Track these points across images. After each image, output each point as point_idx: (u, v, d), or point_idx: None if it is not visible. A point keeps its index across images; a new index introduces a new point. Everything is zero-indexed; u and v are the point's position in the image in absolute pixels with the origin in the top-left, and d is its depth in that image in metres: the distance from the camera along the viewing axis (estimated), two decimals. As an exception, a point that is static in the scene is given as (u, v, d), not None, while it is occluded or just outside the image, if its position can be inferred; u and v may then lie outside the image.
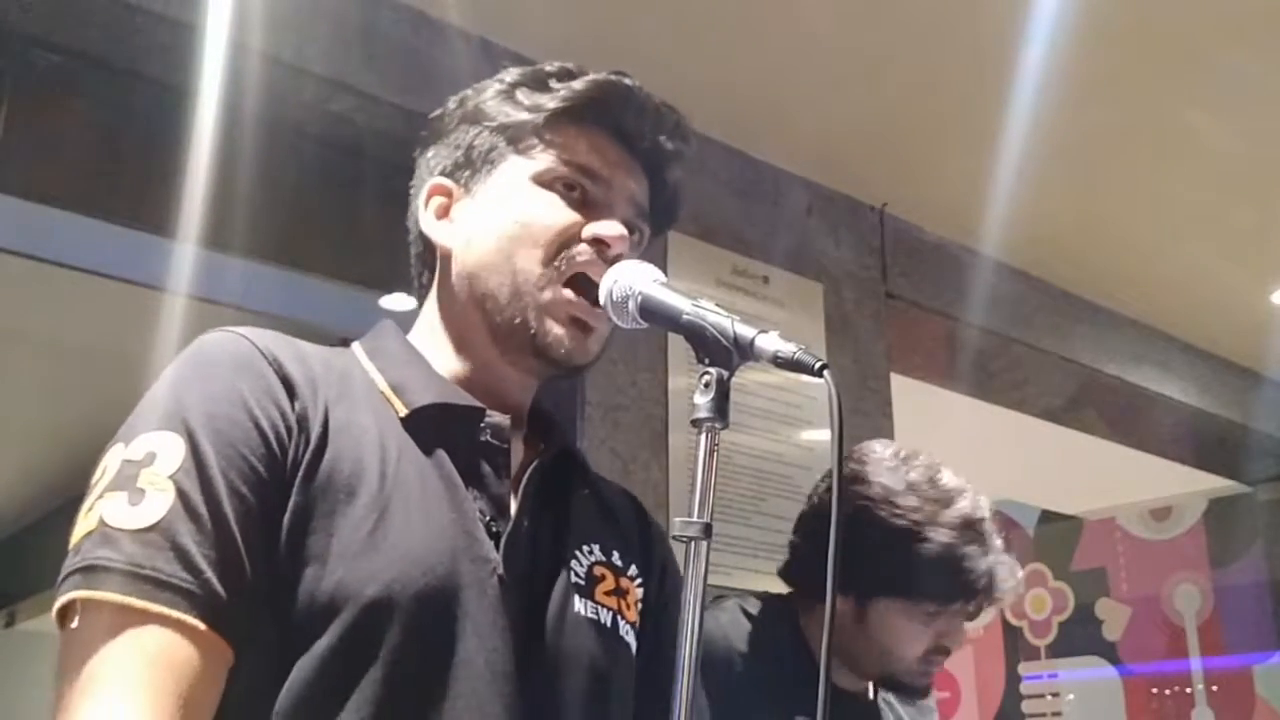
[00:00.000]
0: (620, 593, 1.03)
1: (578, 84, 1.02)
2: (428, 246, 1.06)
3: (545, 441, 1.07)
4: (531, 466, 1.00)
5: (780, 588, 1.65)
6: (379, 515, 0.88)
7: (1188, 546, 4.84)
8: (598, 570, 1.02)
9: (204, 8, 1.89)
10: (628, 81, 1.03)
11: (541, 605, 0.95)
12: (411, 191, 1.09)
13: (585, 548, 1.02)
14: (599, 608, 1.00)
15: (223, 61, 1.92)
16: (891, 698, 1.66)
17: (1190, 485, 4.47)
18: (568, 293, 0.98)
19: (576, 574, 1.00)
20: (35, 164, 1.96)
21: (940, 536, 1.45)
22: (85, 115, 2.00)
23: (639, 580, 1.07)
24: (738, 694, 1.47)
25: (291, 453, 0.88)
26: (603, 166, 1.02)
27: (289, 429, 0.88)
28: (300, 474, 0.87)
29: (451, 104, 1.08)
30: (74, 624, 0.79)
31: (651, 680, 1.05)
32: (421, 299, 1.08)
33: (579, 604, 0.98)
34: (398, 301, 2.32)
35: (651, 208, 1.07)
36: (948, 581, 1.45)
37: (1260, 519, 4.55)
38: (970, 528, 1.47)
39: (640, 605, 1.07)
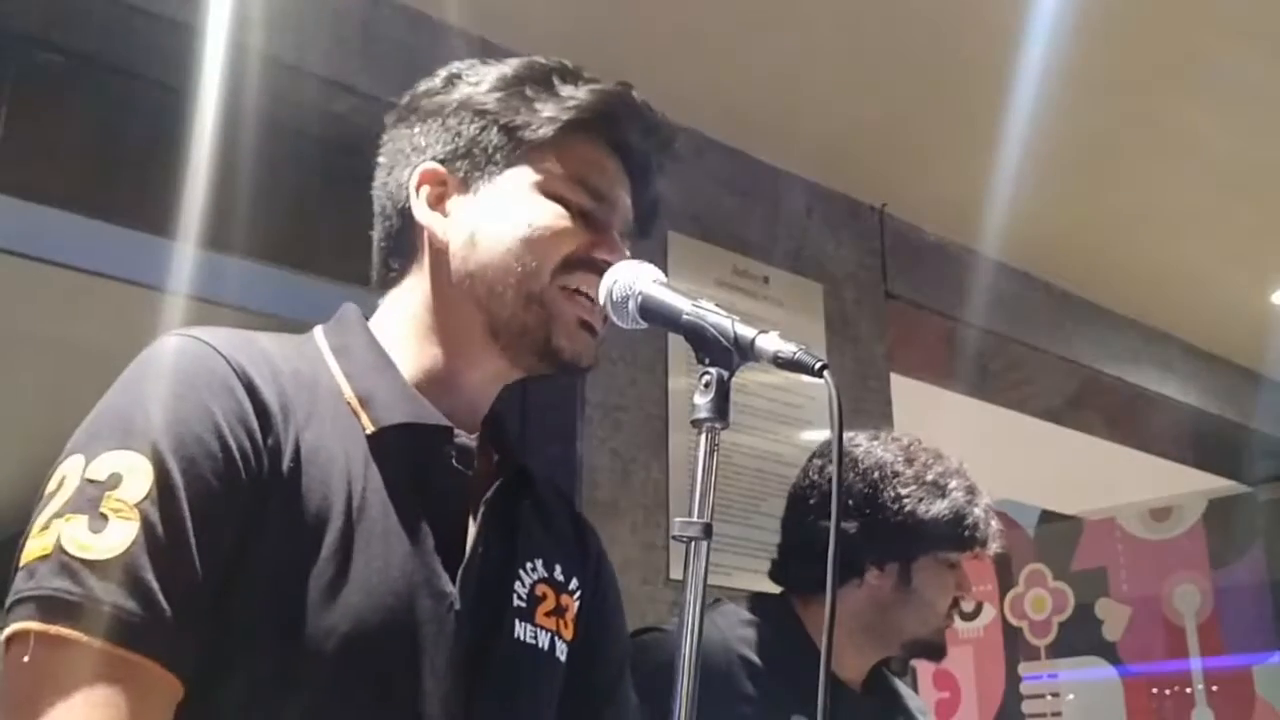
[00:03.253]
0: (560, 611, 1.03)
1: (587, 94, 1.00)
2: (410, 229, 1.02)
3: (498, 448, 1.05)
4: (490, 490, 0.99)
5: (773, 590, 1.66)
6: (343, 557, 0.86)
7: (1188, 546, 4.84)
8: (539, 589, 1.01)
9: (204, 8, 1.89)
10: (635, 95, 1.02)
11: (487, 634, 0.94)
12: (383, 161, 1.05)
13: (529, 565, 1.01)
14: (538, 630, 0.99)
15: (222, 62, 1.92)
16: (897, 685, 1.68)
17: (1190, 485, 4.47)
18: (575, 296, 0.98)
19: (519, 595, 0.99)
20: (35, 164, 1.96)
21: (960, 485, 1.56)
22: (85, 115, 2.01)
23: (578, 593, 1.07)
24: (742, 698, 1.47)
25: (262, 484, 0.85)
26: (607, 185, 1.01)
27: (259, 460, 0.85)
28: (267, 509, 0.85)
29: (438, 80, 1.04)
30: (26, 657, 0.75)
31: (585, 679, 1.05)
32: (391, 282, 1.05)
33: (519, 629, 0.97)
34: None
35: (635, 218, 1.06)
36: (972, 528, 1.55)
37: (1260, 519, 4.55)
38: (966, 477, 1.59)
39: (576, 619, 1.06)
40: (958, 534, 1.54)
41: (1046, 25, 2.23)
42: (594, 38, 2.22)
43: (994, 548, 1.60)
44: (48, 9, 1.86)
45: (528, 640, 0.98)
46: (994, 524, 1.59)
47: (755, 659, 1.51)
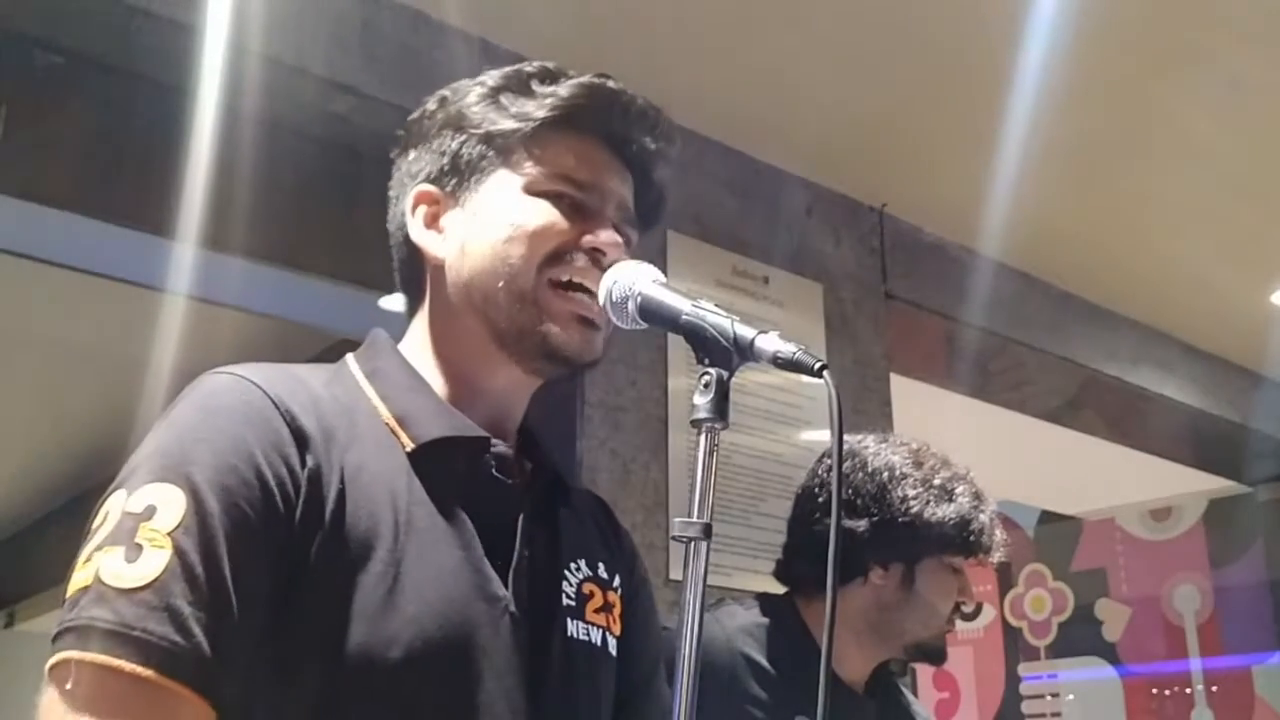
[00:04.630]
0: (607, 608, 1.04)
1: (563, 90, 1.01)
2: (414, 254, 1.04)
3: (531, 457, 1.06)
4: (532, 496, 1.01)
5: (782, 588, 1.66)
6: (396, 570, 0.88)
7: (1187, 547, 4.84)
8: (586, 588, 1.03)
9: (203, 8, 1.89)
10: (612, 85, 1.02)
11: (543, 633, 0.96)
12: (391, 195, 1.07)
13: (574, 565, 1.03)
14: (590, 627, 1.01)
15: (222, 62, 1.92)
16: (900, 687, 1.68)
17: (1190, 485, 4.47)
18: (569, 293, 0.98)
19: (568, 595, 1.00)
20: (35, 164, 1.96)
21: (966, 490, 1.57)
22: (85, 115, 2.01)
23: (620, 590, 1.08)
24: (745, 697, 1.47)
25: (299, 510, 0.86)
26: (592, 175, 1.01)
27: (296, 486, 0.87)
28: (315, 532, 0.86)
29: (431, 105, 1.06)
30: (67, 684, 0.78)
31: (624, 676, 1.06)
32: (412, 309, 1.07)
33: (572, 626, 0.99)
34: (398, 302, 2.32)
35: (638, 209, 1.06)
36: (976, 534, 1.56)
37: (1260, 519, 4.55)
38: (973, 483, 1.60)
39: (622, 616, 1.08)
40: (962, 538, 1.55)
41: (1046, 25, 2.23)
42: (594, 38, 2.22)
43: (997, 555, 1.60)
44: (48, 9, 1.86)
45: (581, 637, 0.99)
46: (999, 532, 1.60)
47: (759, 658, 1.51)
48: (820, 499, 1.60)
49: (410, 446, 0.95)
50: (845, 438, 1.58)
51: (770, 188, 2.75)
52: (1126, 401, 3.65)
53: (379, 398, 0.98)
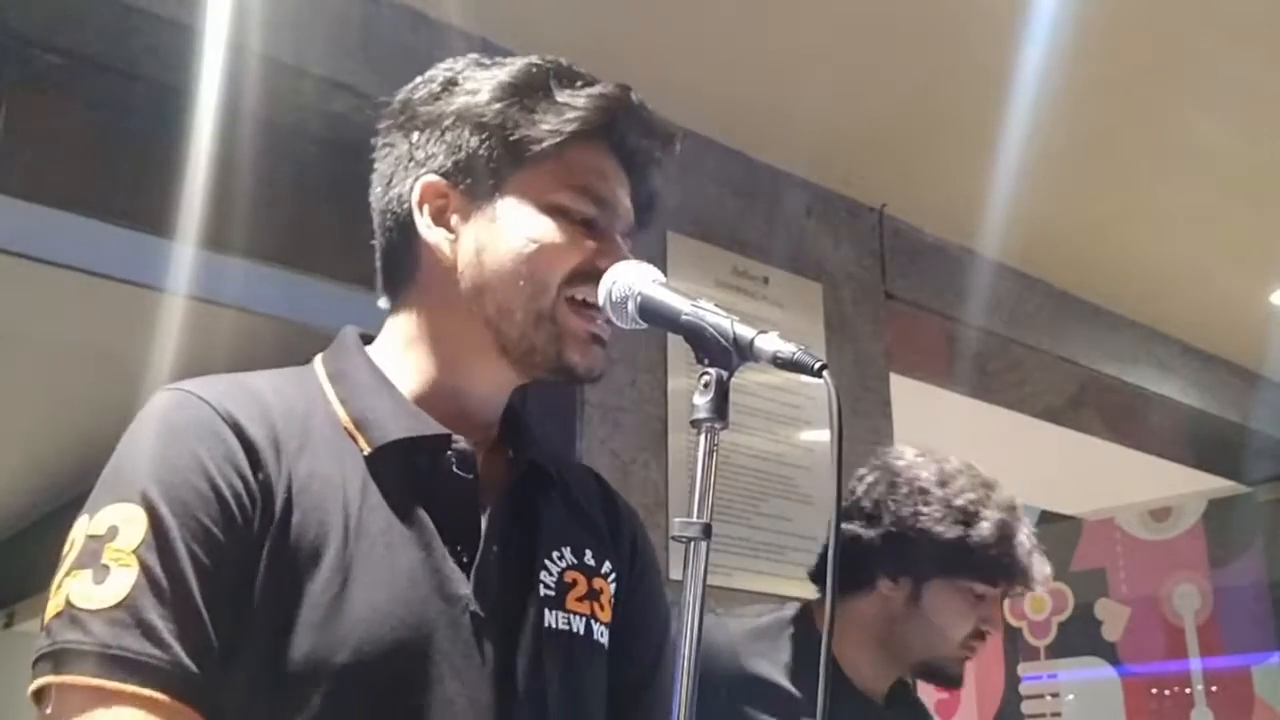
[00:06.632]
0: (593, 595, 1.03)
1: (586, 101, 0.99)
2: (410, 244, 1.01)
3: (514, 446, 1.05)
4: (499, 489, 1.00)
5: (783, 589, 1.66)
6: (344, 577, 0.88)
7: (1187, 547, 4.84)
8: (569, 576, 1.01)
9: (203, 8, 1.89)
10: (634, 98, 1.01)
11: (515, 629, 0.95)
12: (382, 172, 1.04)
13: (555, 554, 1.01)
14: (571, 616, 0.99)
15: (222, 62, 1.92)
16: (921, 702, 1.68)
17: (1190, 485, 4.47)
18: (585, 310, 0.98)
19: (546, 585, 0.99)
20: (35, 164, 1.96)
21: (993, 518, 1.53)
22: (84, 115, 2.00)
23: (612, 575, 1.07)
24: (745, 705, 1.47)
25: (256, 519, 0.87)
26: (608, 191, 1.01)
27: (251, 496, 0.87)
28: (266, 542, 0.87)
29: (435, 86, 1.02)
30: (48, 709, 0.79)
31: (624, 663, 1.05)
32: (394, 296, 1.04)
33: (550, 617, 0.98)
34: (399, 302, 2.32)
35: (636, 213, 1.06)
36: (997, 563, 1.53)
37: (1260, 519, 4.55)
38: (1014, 512, 1.57)
39: (614, 600, 1.06)
40: (970, 564, 1.53)
41: (1046, 25, 2.23)
42: (594, 38, 2.22)
43: (1027, 589, 1.57)
44: (48, 9, 1.86)
45: (560, 627, 0.98)
46: (1036, 566, 1.57)
47: (760, 662, 1.51)
48: (846, 506, 1.60)
49: (367, 450, 0.94)
50: (886, 447, 1.60)
51: (770, 188, 2.75)
52: (1126, 401, 3.65)
53: (339, 401, 0.97)
